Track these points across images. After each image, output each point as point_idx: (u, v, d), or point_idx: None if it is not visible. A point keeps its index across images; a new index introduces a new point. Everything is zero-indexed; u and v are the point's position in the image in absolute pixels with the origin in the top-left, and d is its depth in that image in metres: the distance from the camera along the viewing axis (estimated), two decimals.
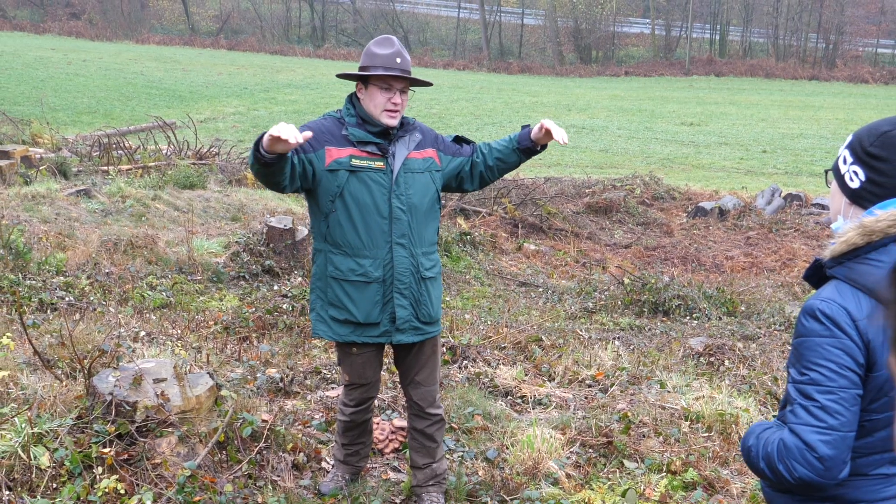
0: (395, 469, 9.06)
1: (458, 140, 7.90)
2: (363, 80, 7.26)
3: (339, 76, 7.86)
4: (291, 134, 6.28)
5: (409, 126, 7.54)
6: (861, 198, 4.10)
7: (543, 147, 7.72)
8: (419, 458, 8.12)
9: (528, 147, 7.65)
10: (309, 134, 6.65)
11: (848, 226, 3.98)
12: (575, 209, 27.93)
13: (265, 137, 6.40)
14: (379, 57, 7.15)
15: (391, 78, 7.17)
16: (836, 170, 4.28)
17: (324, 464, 8.82)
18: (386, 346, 7.90)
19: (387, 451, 9.21)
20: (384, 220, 7.26)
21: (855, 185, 4.11)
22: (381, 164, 7.23)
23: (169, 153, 30.39)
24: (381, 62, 7.14)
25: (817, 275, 4.21)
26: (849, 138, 4.23)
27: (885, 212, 3.86)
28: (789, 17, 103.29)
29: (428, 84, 8.02)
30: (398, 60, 7.22)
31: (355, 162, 7.12)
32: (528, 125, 7.71)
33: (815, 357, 3.94)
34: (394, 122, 7.25)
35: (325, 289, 7.48)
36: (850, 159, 4.15)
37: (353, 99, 7.39)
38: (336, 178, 7.14)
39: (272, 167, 6.64)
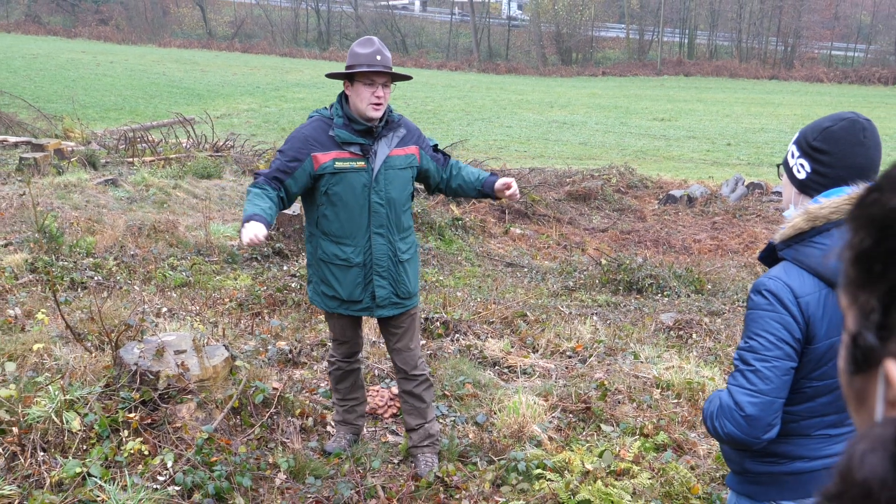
0: (393, 433, 9.08)
1: (436, 149, 7.96)
2: (349, 77, 7.30)
3: (329, 76, 7.90)
4: (250, 238, 6.68)
5: (394, 123, 7.59)
6: (808, 187, 4.20)
7: (499, 198, 7.91)
8: (412, 419, 8.22)
9: (487, 193, 7.84)
10: (262, 234, 6.76)
11: (796, 213, 4.08)
12: (557, 197, 27.86)
13: (242, 237, 6.76)
14: (362, 56, 7.22)
15: (374, 74, 7.22)
16: (785, 163, 4.38)
17: (329, 428, 8.84)
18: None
19: (385, 416, 9.22)
20: (364, 214, 7.39)
21: (802, 176, 4.21)
22: (363, 163, 7.32)
23: (188, 146, 30.32)
24: (364, 60, 7.20)
25: (771, 256, 4.29)
26: (796, 135, 4.33)
27: (828, 200, 3.95)
28: (751, 22, 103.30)
29: (408, 78, 8.02)
30: (378, 58, 7.25)
31: (339, 164, 7.25)
32: (496, 175, 7.88)
33: (756, 328, 4.07)
34: (378, 114, 7.29)
35: (317, 269, 7.70)
36: (797, 153, 4.26)
37: (342, 99, 7.46)
38: (322, 179, 7.30)
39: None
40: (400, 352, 8.03)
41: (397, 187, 7.48)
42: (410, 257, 7.82)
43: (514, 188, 7.61)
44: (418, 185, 8.18)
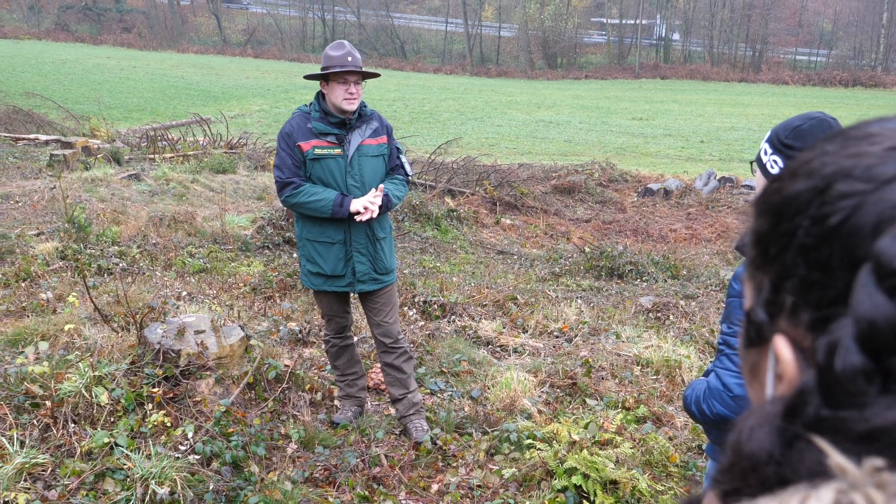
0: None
1: (398, 153, 8.17)
2: (325, 77, 7.59)
3: (307, 77, 8.19)
4: (365, 205, 7.55)
5: (367, 116, 7.87)
6: None
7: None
8: (395, 390, 8.40)
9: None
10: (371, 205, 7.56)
11: None
12: (544, 190, 27.87)
13: (351, 209, 7.51)
14: (334, 58, 7.52)
15: (346, 73, 7.50)
16: (759, 160, 4.34)
17: (335, 402, 8.85)
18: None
19: (387, 391, 9.22)
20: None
21: (775, 171, 4.15)
22: (339, 150, 7.65)
23: (205, 144, 30.31)
24: (337, 62, 7.50)
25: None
26: (768, 133, 4.32)
27: None
28: (722, 29, 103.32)
29: (376, 75, 8.47)
30: (349, 59, 7.56)
31: (318, 151, 7.59)
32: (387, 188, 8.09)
33: (740, 314, 3.99)
34: (353, 107, 7.61)
35: (303, 248, 7.91)
36: (769, 150, 4.24)
37: (319, 96, 7.77)
38: (307, 164, 7.61)
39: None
40: (380, 325, 8.21)
41: (370, 172, 7.78)
42: (386, 236, 8.06)
43: (367, 209, 7.70)
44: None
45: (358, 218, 7.57)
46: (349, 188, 7.63)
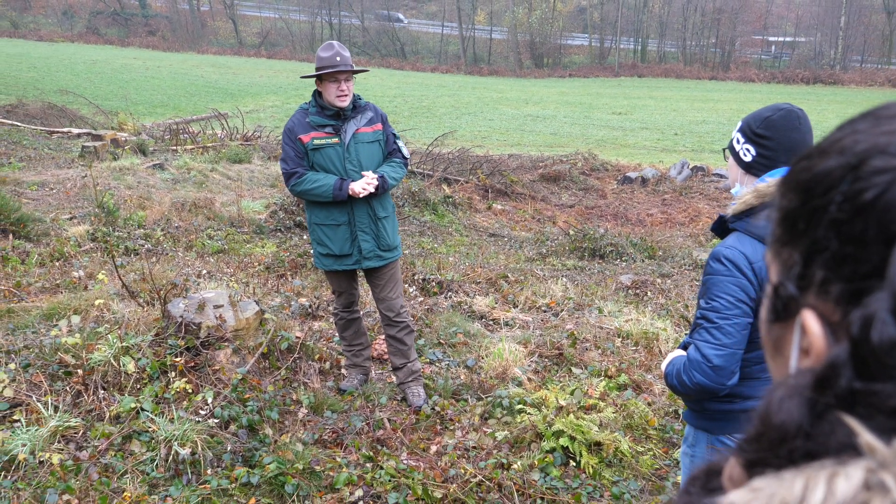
0: None
1: (395, 138, 8.23)
2: (318, 77, 7.68)
3: (302, 78, 8.69)
4: (363, 187, 7.65)
5: (361, 107, 7.94)
6: (754, 168, 4.21)
7: None
8: (396, 359, 8.43)
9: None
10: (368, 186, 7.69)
11: (745, 191, 4.11)
12: (531, 178, 27.84)
13: (349, 191, 7.62)
14: (325, 59, 7.61)
15: (336, 72, 7.58)
16: (731, 148, 4.38)
17: (342, 371, 8.85)
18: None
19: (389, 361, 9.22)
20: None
21: (748, 159, 4.22)
22: (336, 139, 7.73)
23: (222, 136, 30.30)
24: (327, 63, 7.59)
25: (721, 227, 4.31)
26: (739, 123, 4.33)
27: (774, 179, 3.96)
28: (694, 31, 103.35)
29: (365, 70, 8.68)
30: (338, 59, 7.63)
31: (316, 142, 7.70)
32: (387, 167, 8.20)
33: (717, 291, 4.09)
34: (344, 104, 7.71)
35: (313, 232, 7.99)
36: (742, 139, 4.27)
37: (315, 93, 7.86)
38: (309, 154, 7.72)
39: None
40: (384, 300, 8.24)
41: (367, 157, 7.85)
42: (388, 215, 8.08)
43: (364, 186, 7.78)
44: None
45: (356, 194, 7.65)
46: (348, 172, 7.71)
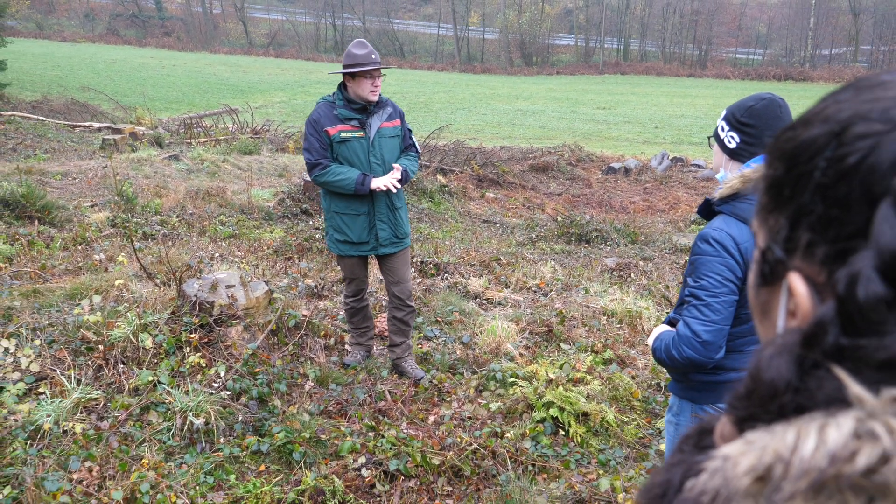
0: None
1: (410, 134, 8.20)
2: (352, 74, 7.52)
3: (334, 73, 8.12)
4: (386, 184, 7.58)
5: (382, 103, 7.84)
6: (739, 155, 4.22)
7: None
8: (397, 337, 8.42)
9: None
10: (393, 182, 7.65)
11: (731, 176, 4.14)
12: (522, 168, 27.82)
13: (373, 185, 7.55)
14: (361, 56, 7.47)
15: (373, 69, 7.46)
16: (716, 136, 4.37)
17: (346, 346, 8.84)
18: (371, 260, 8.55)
19: (388, 334, 9.21)
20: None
21: (733, 145, 4.22)
22: (362, 133, 7.62)
23: (233, 130, 30.34)
24: (363, 60, 7.47)
25: (707, 210, 4.31)
26: (723, 112, 4.34)
27: (760, 164, 3.90)
28: (673, 31, 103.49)
29: (390, 67, 8.73)
30: (373, 56, 7.56)
31: (343, 135, 7.56)
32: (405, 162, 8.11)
33: (706, 270, 4.10)
34: (375, 98, 7.64)
35: (331, 219, 7.88)
36: (726, 128, 4.27)
37: (341, 87, 7.71)
38: (332, 147, 7.59)
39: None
40: (397, 284, 8.19)
41: (388, 151, 7.78)
42: (402, 206, 8.03)
43: (391, 181, 7.75)
44: None
45: (378, 189, 7.62)
46: (371, 166, 7.64)
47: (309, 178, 7.74)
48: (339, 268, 11.76)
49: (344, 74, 7.62)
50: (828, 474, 0.88)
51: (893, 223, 0.92)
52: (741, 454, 0.97)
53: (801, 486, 0.89)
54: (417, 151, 8.19)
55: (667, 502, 1.12)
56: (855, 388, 0.91)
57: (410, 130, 8.15)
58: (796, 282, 1.06)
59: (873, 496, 0.86)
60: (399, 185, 7.69)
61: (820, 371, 0.98)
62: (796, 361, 1.01)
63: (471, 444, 6.68)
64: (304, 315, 8.84)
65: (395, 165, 7.72)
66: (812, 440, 0.91)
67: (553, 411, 7.33)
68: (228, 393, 7.02)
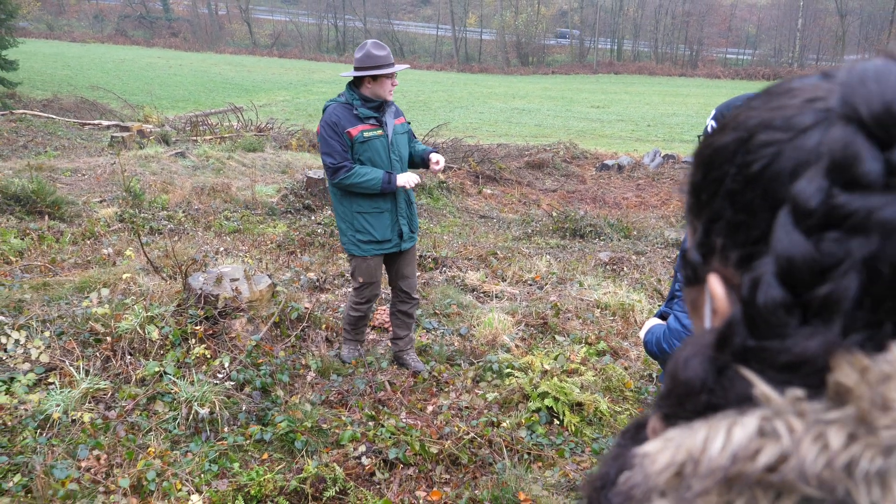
0: None
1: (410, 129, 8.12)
2: (374, 76, 7.33)
3: (360, 72, 7.62)
4: (407, 181, 7.48)
5: (390, 101, 7.64)
6: None
7: (428, 167, 7.94)
8: (401, 331, 8.34)
9: (426, 163, 7.91)
10: (414, 179, 7.57)
11: None
12: (518, 165, 27.82)
13: (399, 183, 7.43)
14: (382, 58, 7.23)
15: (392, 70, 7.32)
16: (706, 134, 4.29)
17: (340, 340, 8.85)
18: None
19: (391, 328, 9.19)
20: (387, 171, 7.41)
21: None
22: (381, 132, 7.43)
23: (238, 128, 30.28)
24: (385, 61, 7.25)
25: None
26: (713, 112, 4.28)
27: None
28: (665, 32, 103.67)
29: (406, 66, 8.28)
30: (392, 58, 7.35)
31: (366, 135, 7.33)
32: (433, 151, 7.95)
33: None
34: (392, 96, 7.47)
35: (352, 221, 7.58)
36: (716, 126, 4.17)
37: (353, 87, 7.46)
38: (354, 147, 7.34)
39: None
40: (406, 278, 8.11)
41: (403, 147, 7.66)
42: (414, 201, 7.93)
43: (441, 164, 7.79)
44: None
45: (437, 168, 7.72)
46: (392, 163, 7.52)
47: (333, 180, 7.49)
48: (340, 262, 11.80)
49: (366, 75, 7.42)
50: (731, 473, 0.90)
51: (790, 230, 0.95)
52: (658, 451, 1.00)
53: (709, 484, 0.92)
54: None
55: (604, 494, 1.16)
56: (762, 387, 0.94)
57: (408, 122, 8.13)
58: (714, 284, 1.09)
59: (780, 492, 0.89)
60: (419, 180, 7.65)
61: (731, 372, 1.01)
62: (710, 362, 1.03)
63: (468, 434, 6.69)
64: (306, 308, 8.84)
65: (436, 157, 7.69)
66: (720, 439, 0.93)
67: (548, 401, 7.33)
68: (232, 383, 7.03)
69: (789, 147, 0.99)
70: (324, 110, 7.52)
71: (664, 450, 0.99)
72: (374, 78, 7.32)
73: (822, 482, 0.86)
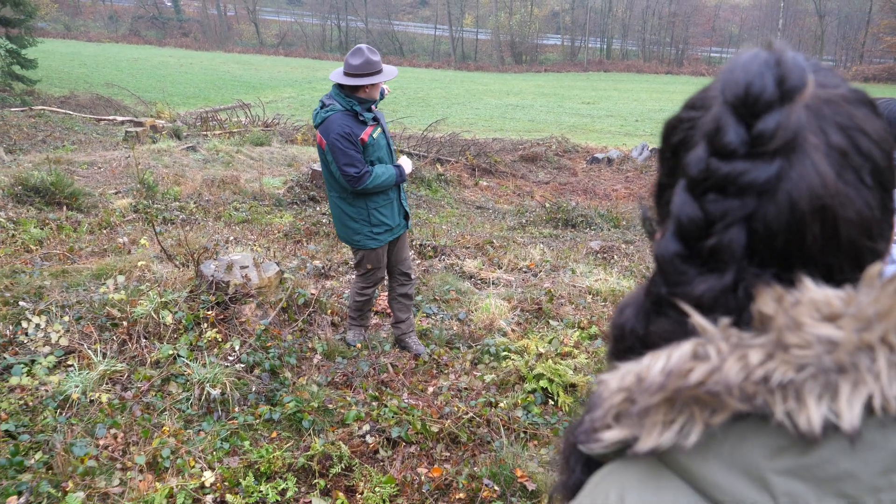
0: None
1: None
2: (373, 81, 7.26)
3: (362, 79, 7.40)
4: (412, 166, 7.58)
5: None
6: None
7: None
8: (402, 314, 8.31)
9: None
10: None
11: None
12: (512, 159, 27.81)
13: (407, 172, 7.51)
14: (377, 63, 7.10)
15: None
16: None
17: (345, 324, 8.84)
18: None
19: (392, 313, 9.20)
20: (391, 161, 7.48)
21: None
22: (381, 129, 7.37)
23: (246, 123, 30.32)
24: (379, 67, 7.13)
25: None
26: None
27: None
28: (652, 32, 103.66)
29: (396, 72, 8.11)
30: (383, 62, 7.26)
31: (374, 136, 7.22)
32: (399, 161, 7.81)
33: None
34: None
35: (369, 218, 7.45)
36: None
37: (346, 92, 7.15)
38: (367, 151, 7.20)
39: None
40: (404, 260, 8.07)
41: (390, 137, 7.60)
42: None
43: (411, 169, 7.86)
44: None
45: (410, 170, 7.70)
46: (393, 155, 7.51)
47: (356, 187, 7.30)
48: (344, 251, 11.80)
49: (364, 79, 7.24)
50: (669, 387, 1.03)
51: (682, 193, 1.08)
52: (611, 378, 1.14)
53: (653, 400, 1.05)
54: None
55: (574, 433, 1.29)
56: (697, 318, 1.05)
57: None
58: (656, 240, 1.19)
59: (714, 409, 1.02)
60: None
61: (653, 316, 1.16)
62: (640, 308, 1.19)
63: (467, 413, 6.69)
64: (312, 293, 8.84)
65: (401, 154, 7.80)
66: (661, 362, 1.06)
67: (543, 383, 7.34)
68: (242, 365, 7.03)
69: (699, 123, 1.11)
70: (322, 120, 7.18)
71: (615, 377, 1.13)
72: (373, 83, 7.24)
73: (743, 393, 0.99)
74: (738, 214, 1.04)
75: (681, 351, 1.04)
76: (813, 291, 1.00)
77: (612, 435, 1.12)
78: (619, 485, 1.15)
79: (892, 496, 0.97)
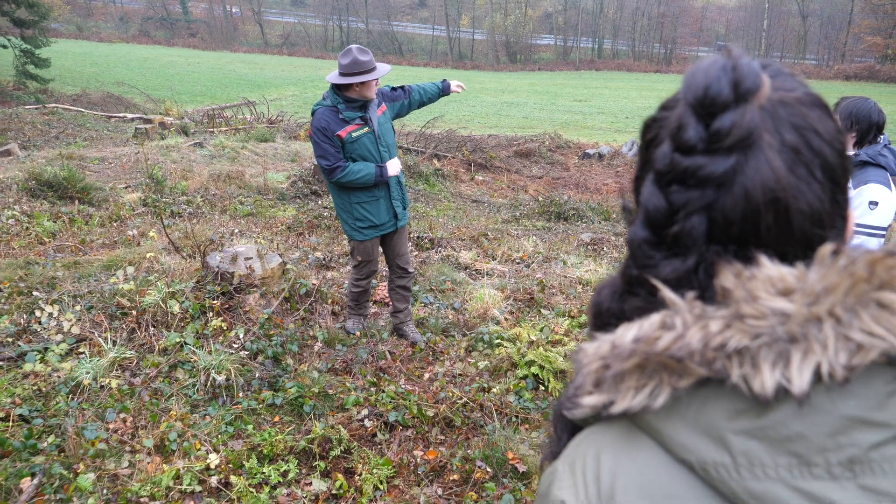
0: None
1: (395, 88, 7.85)
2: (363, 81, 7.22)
3: (348, 78, 7.51)
4: (396, 171, 7.45)
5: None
6: None
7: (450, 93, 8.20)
8: (400, 304, 8.33)
9: (446, 92, 8.10)
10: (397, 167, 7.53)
11: None
12: (507, 154, 27.77)
13: (390, 173, 7.39)
14: (367, 63, 7.04)
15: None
16: None
17: (345, 313, 8.85)
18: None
19: (391, 303, 9.20)
20: (377, 161, 7.38)
21: None
22: (367, 129, 7.26)
23: (251, 120, 30.26)
24: (370, 66, 7.08)
25: None
26: None
27: None
28: (642, 32, 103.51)
29: (389, 69, 8.05)
30: (375, 61, 7.18)
31: (354, 134, 7.17)
32: (446, 80, 8.14)
33: None
34: (374, 95, 7.29)
35: (351, 211, 7.51)
36: None
37: (337, 90, 7.19)
38: (346, 147, 7.20)
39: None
40: (402, 255, 8.07)
41: (388, 135, 7.49)
42: (404, 181, 7.84)
43: (463, 86, 8.16)
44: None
45: (457, 90, 7.99)
46: (381, 155, 7.37)
47: (330, 179, 7.37)
48: (344, 243, 11.81)
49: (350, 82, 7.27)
50: (639, 353, 1.10)
51: (650, 185, 1.15)
52: (589, 346, 1.20)
53: (626, 366, 1.12)
54: (404, 87, 8.00)
55: (559, 404, 1.36)
56: (667, 292, 1.11)
57: (391, 88, 7.87)
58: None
59: (681, 375, 1.09)
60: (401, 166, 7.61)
61: (626, 295, 1.23)
62: (615, 288, 1.25)
63: (461, 398, 6.71)
64: (313, 284, 8.84)
65: (457, 82, 7.86)
66: (633, 331, 1.13)
67: (534, 369, 7.35)
68: (246, 353, 7.03)
69: (668, 121, 1.17)
70: (312, 113, 7.32)
71: (593, 345, 1.20)
72: (364, 82, 7.20)
73: (703, 358, 1.05)
74: (699, 204, 1.10)
75: (650, 321, 1.11)
76: (768, 268, 1.06)
77: (591, 400, 1.20)
78: (596, 445, 1.25)
79: (839, 456, 1.03)
